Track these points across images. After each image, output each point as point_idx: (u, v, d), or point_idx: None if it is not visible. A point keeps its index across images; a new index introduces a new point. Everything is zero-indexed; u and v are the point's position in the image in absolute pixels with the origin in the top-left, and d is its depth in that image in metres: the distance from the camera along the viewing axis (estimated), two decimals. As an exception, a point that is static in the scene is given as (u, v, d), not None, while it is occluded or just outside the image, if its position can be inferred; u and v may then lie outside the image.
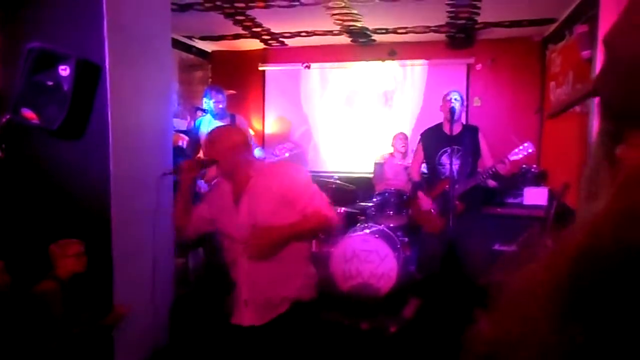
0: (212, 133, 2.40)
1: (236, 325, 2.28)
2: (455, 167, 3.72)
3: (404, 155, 5.16)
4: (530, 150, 3.64)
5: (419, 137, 4.15)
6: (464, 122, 3.95)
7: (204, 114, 4.68)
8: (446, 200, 3.71)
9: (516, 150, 3.65)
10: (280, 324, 2.23)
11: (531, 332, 0.44)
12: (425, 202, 3.94)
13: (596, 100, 0.54)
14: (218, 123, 4.53)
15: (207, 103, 4.54)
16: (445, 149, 3.82)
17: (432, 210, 3.90)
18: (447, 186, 3.73)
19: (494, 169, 3.66)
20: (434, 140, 3.92)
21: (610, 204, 0.44)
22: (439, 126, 3.96)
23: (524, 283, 0.50)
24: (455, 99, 3.80)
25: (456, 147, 3.72)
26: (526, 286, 0.49)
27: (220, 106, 4.51)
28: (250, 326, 2.25)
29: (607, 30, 0.50)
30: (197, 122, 4.70)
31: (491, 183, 4.28)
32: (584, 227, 0.45)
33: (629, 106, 0.47)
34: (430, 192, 3.94)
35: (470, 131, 3.88)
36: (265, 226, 2.16)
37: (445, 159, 3.83)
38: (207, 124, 4.56)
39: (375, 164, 5.33)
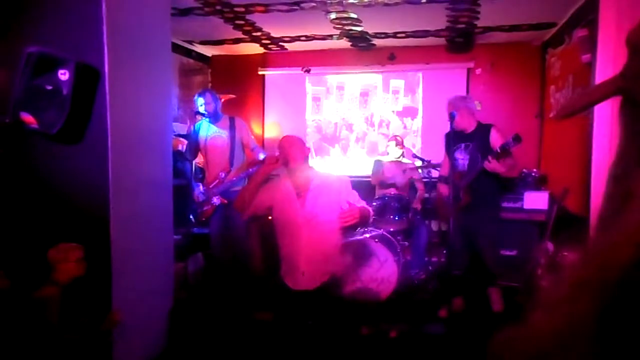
0: (291, 138, 3.18)
1: (295, 290, 3.04)
2: (465, 162, 4.05)
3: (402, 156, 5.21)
4: (517, 142, 3.64)
5: (445, 134, 4.35)
6: (479, 121, 4.10)
7: (203, 118, 4.66)
8: (456, 192, 3.99)
9: (505, 142, 3.69)
10: (325, 288, 3.03)
11: (579, 334, 0.44)
12: (444, 189, 4.21)
13: (620, 98, 0.52)
14: (216, 128, 4.51)
15: (200, 107, 4.50)
16: (459, 145, 4.10)
17: (446, 201, 4.04)
18: (456, 179, 4.01)
19: (490, 157, 3.78)
20: (453, 138, 4.17)
21: None
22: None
23: (570, 284, 0.49)
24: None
25: (468, 143, 4.03)
26: (573, 287, 0.48)
27: (212, 106, 4.45)
28: (304, 290, 3.02)
29: (632, 32, 0.49)
30: (196, 126, 4.69)
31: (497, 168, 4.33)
32: (630, 235, 0.44)
33: None
34: (447, 183, 4.13)
35: (483, 128, 4.03)
36: (326, 215, 2.98)
37: (458, 154, 4.11)
38: (207, 128, 4.54)
39: (375, 161, 5.36)
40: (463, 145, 4.09)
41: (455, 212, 3.95)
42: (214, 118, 4.48)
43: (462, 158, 4.10)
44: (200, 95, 4.51)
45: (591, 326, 0.43)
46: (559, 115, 5.04)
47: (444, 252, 4.65)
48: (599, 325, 0.43)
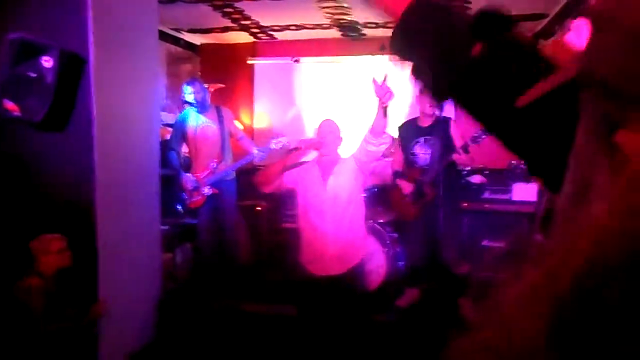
0: (331, 125, 3.13)
1: (323, 276, 2.96)
2: (427, 156, 3.96)
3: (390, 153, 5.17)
4: (483, 138, 3.67)
5: (397, 130, 4.21)
6: (437, 115, 4.06)
7: (189, 106, 4.57)
8: (418, 187, 3.94)
9: (476, 133, 3.70)
10: (354, 272, 3.02)
11: (527, 348, 0.41)
12: (406, 186, 4.08)
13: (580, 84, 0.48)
14: (204, 117, 4.46)
15: (188, 96, 4.44)
16: (417, 140, 4.02)
17: (406, 198, 4.01)
18: (417, 175, 3.97)
19: (458, 149, 3.82)
20: (408, 132, 4.09)
21: (616, 205, 0.39)
22: (415, 120, 4.15)
23: (520, 293, 0.45)
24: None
25: (428, 137, 3.94)
26: (523, 297, 0.44)
27: (200, 95, 4.41)
28: (332, 276, 2.95)
29: (597, 3, 0.45)
30: (183, 114, 4.60)
31: (475, 179, 4.32)
32: (587, 234, 0.40)
33: (636, 82, 0.41)
34: (407, 179, 4.08)
35: (442, 123, 3.98)
36: (348, 195, 3.01)
37: (417, 149, 4.03)
38: (195, 118, 4.49)
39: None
40: (423, 139, 4.01)
41: (417, 208, 3.95)
42: (201, 107, 4.43)
43: (423, 152, 4.00)
44: (188, 84, 4.47)
45: (543, 344, 0.40)
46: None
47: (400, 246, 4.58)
48: (552, 343, 0.39)
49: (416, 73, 0.81)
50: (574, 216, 0.46)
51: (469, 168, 4.09)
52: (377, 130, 2.91)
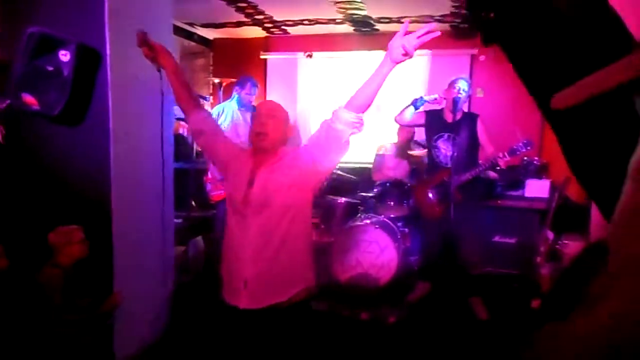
0: (273, 107, 2.25)
1: (233, 307, 2.11)
2: (449, 154, 3.83)
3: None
4: (529, 148, 3.66)
5: (425, 112, 4.15)
6: (465, 110, 3.97)
7: (205, 102, 4.69)
8: (445, 189, 3.79)
9: (516, 146, 3.66)
10: (280, 312, 2.09)
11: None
12: (431, 188, 4.03)
13: None
14: (240, 114, 4.62)
15: (238, 92, 4.69)
16: (441, 134, 3.92)
17: (431, 196, 3.96)
18: (445, 177, 3.80)
19: (493, 161, 3.67)
20: (434, 123, 3.98)
21: None
22: (441, 112, 4.02)
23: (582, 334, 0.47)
24: (463, 90, 3.81)
25: (453, 134, 3.77)
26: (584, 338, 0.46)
27: (251, 99, 4.67)
28: (246, 309, 2.09)
29: None
30: (218, 108, 4.79)
31: (491, 174, 4.27)
32: None
33: None
34: (429, 181, 4.00)
35: (470, 119, 3.89)
36: (282, 200, 2.09)
37: (440, 143, 3.94)
38: (230, 113, 4.64)
39: (377, 154, 5.30)
40: (446, 134, 3.87)
41: (442, 209, 3.86)
42: (246, 107, 4.62)
43: (444, 148, 3.88)
44: (252, 86, 4.74)
45: None
46: (555, 105, 5.01)
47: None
48: None
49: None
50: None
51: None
52: (360, 103, 2.07)
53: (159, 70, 2.28)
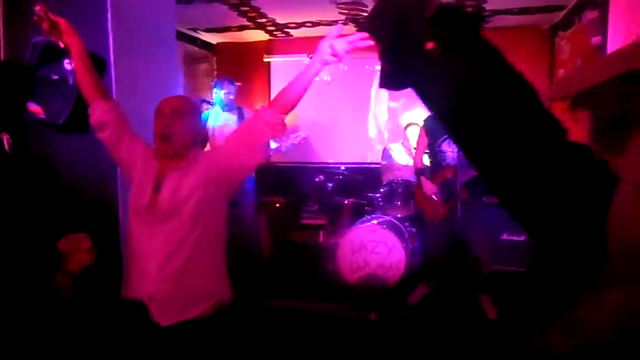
0: (179, 103, 2.02)
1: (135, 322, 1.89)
2: (455, 155, 3.77)
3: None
4: None
5: (422, 123, 4.14)
6: None
7: (210, 107, 4.69)
8: (449, 188, 3.78)
9: None
10: (197, 327, 1.88)
11: None
12: (429, 187, 3.97)
13: None
14: (226, 115, 4.53)
15: (218, 94, 4.58)
16: (445, 137, 3.84)
17: (435, 197, 3.92)
18: (449, 175, 3.76)
19: None
20: (435, 127, 3.90)
21: None
22: None
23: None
24: None
25: None
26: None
27: (231, 97, 4.56)
28: (153, 326, 1.85)
29: None
30: (204, 115, 4.71)
31: None
32: None
33: None
34: (433, 179, 3.96)
35: None
36: (192, 208, 1.87)
37: (445, 146, 3.88)
38: (215, 117, 4.56)
39: (383, 153, 5.30)
40: None
41: (447, 209, 3.83)
42: (229, 107, 4.56)
43: (451, 150, 3.81)
44: (228, 83, 4.61)
45: None
46: (549, 98, 4.91)
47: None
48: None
49: (380, 56, 0.80)
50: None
51: None
52: (284, 103, 1.91)
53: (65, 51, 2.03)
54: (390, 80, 0.81)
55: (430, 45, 0.73)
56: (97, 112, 2.07)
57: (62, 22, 2.03)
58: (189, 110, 2.00)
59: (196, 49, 6.52)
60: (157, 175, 1.95)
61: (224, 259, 2.03)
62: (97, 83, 2.10)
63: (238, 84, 5.87)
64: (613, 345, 0.49)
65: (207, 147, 4.80)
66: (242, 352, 2.06)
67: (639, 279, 0.47)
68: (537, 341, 0.57)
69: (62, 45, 2.05)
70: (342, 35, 1.82)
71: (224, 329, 1.96)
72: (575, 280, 0.60)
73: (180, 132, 1.93)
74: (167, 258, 1.86)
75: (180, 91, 5.72)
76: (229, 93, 4.56)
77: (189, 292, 1.89)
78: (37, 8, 1.97)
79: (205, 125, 4.60)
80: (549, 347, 0.55)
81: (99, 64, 2.74)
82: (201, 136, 2.03)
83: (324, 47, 1.83)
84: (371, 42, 1.84)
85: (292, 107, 1.93)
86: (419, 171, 4.14)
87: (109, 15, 2.73)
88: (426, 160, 4.19)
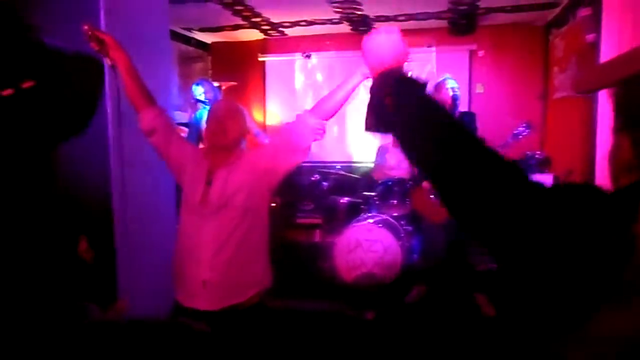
0: (232, 108, 2.26)
1: (190, 308, 2.11)
2: None
3: None
4: (528, 130, 3.61)
5: None
6: (460, 110, 3.95)
7: (204, 105, 4.69)
8: None
9: (517, 131, 3.63)
10: (244, 311, 2.10)
11: None
12: (428, 184, 3.95)
13: None
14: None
15: (195, 91, 4.69)
16: None
17: (434, 197, 3.93)
18: None
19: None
20: None
21: None
22: None
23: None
24: (457, 87, 3.80)
25: None
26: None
27: (211, 94, 4.61)
28: (205, 311, 2.06)
29: None
30: (198, 114, 4.71)
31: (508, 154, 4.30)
32: None
33: None
34: (428, 183, 3.97)
35: (468, 118, 3.89)
36: (242, 202, 2.08)
37: None
38: (205, 115, 4.58)
39: (377, 152, 5.29)
40: None
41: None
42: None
43: None
44: (198, 84, 4.61)
45: None
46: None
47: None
48: None
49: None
50: None
51: None
52: (326, 110, 2.05)
53: (112, 67, 2.15)
54: (370, 126, 1.14)
55: (387, 100, 1.00)
56: (146, 119, 2.24)
57: (108, 39, 2.14)
58: (238, 113, 2.26)
59: (191, 48, 6.50)
60: (208, 171, 2.15)
61: (267, 248, 2.24)
62: (144, 92, 2.26)
63: (231, 83, 5.88)
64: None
65: (200, 145, 4.79)
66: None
67: None
68: (551, 351, 0.56)
69: (109, 62, 2.13)
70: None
71: (267, 313, 2.20)
72: (590, 291, 0.59)
73: (232, 128, 2.16)
74: (219, 247, 2.07)
75: (174, 91, 5.72)
76: (206, 92, 4.67)
77: (238, 278, 2.10)
78: (85, 28, 2.05)
79: (199, 124, 4.61)
80: (563, 358, 0.54)
81: (95, 67, 2.73)
82: (245, 136, 2.27)
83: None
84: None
85: (333, 114, 2.08)
86: (417, 176, 4.14)
87: (101, 15, 2.72)
88: None
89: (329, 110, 2.05)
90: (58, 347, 2.17)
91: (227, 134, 2.15)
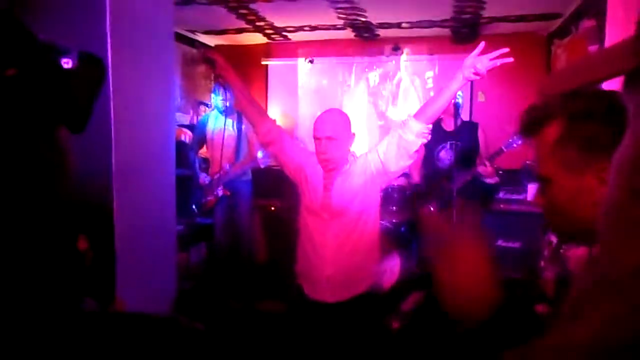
0: (337, 114, 2.45)
1: (316, 301, 2.39)
2: (450, 163, 3.79)
3: None
4: (514, 145, 3.60)
5: None
6: (463, 119, 3.92)
7: (208, 109, 4.70)
8: (445, 194, 3.75)
9: (504, 145, 3.61)
10: (359, 303, 2.38)
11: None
12: (434, 203, 3.94)
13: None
14: (225, 119, 4.54)
15: (215, 99, 4.59)
16: (443, 145, 3.87)
17: (432, 209, 3.92)
18: (444, 182, 3.77)
19: (476, 172, 3.63)
20: (433, 135, 3.90)
21: None
22: (437, 122, 3.96)
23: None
24: (458, 95, 3.79)
25: (455, 142, 3.74)
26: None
27: (227, 104, 4.55)
28: (329, 303, 2.36)
29: None
30: (203, 118, 4.72)
31: (488, 180, 4.29)
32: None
33: None
34: (427, 193, 3.96)
35: (470, 127, 3.86)
36: (357, 206, 2.34)
37: (443, 154, 3.89)
38: (214, 120, 4.57)
39: None
40: (448, 144, 3.81)
41: (445, 217, 3.76)
42: (227, 112, 4.56)
43: (449, 158, 3.79)
44: (223, 90, 4.60)
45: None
46: (542, 92, 4.92)
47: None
48: None
49: None
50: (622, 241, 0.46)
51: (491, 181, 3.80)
52: (430, 114, 2.18)
53: (223, 85, 2.39)
54: None
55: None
56: (262, 132, 2.49)
57: (219, 59, 2.51)
58: (340, 130, 2.34)
59: (194, 51, 6.52)
60: (325, 177, 2.39)
61: (379, 246, 2.51)
62: (256, 107, 2.53)
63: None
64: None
65: (204, 150, 4.80)
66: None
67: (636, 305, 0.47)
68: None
69: (223, 84, 2.36)
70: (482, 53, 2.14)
71: (377, 303, 2.41)
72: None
73: (335, 153, 2.32)
74: (340, 247, 2.33)
75: (176, 93, 5.72)
76: (224, 100, 4.56)
77: (356, 273, 2.37)
78: (199, 52, 2.19)
79: (204, 128, 4.60)
80: None
81: (97, 65, 2.74)
82: (351, 143, 2.40)
83: (468, 66, 2.13)
84: (511, 59, 2.09)
85: (437, 118, 2.26)
86: (420, 188, 4.11)
87: (107, 15, 2.73)
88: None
89: (432, 114, 2.20)
90: (50, 340, 2.16)
91: (331, 160, 2.32)
